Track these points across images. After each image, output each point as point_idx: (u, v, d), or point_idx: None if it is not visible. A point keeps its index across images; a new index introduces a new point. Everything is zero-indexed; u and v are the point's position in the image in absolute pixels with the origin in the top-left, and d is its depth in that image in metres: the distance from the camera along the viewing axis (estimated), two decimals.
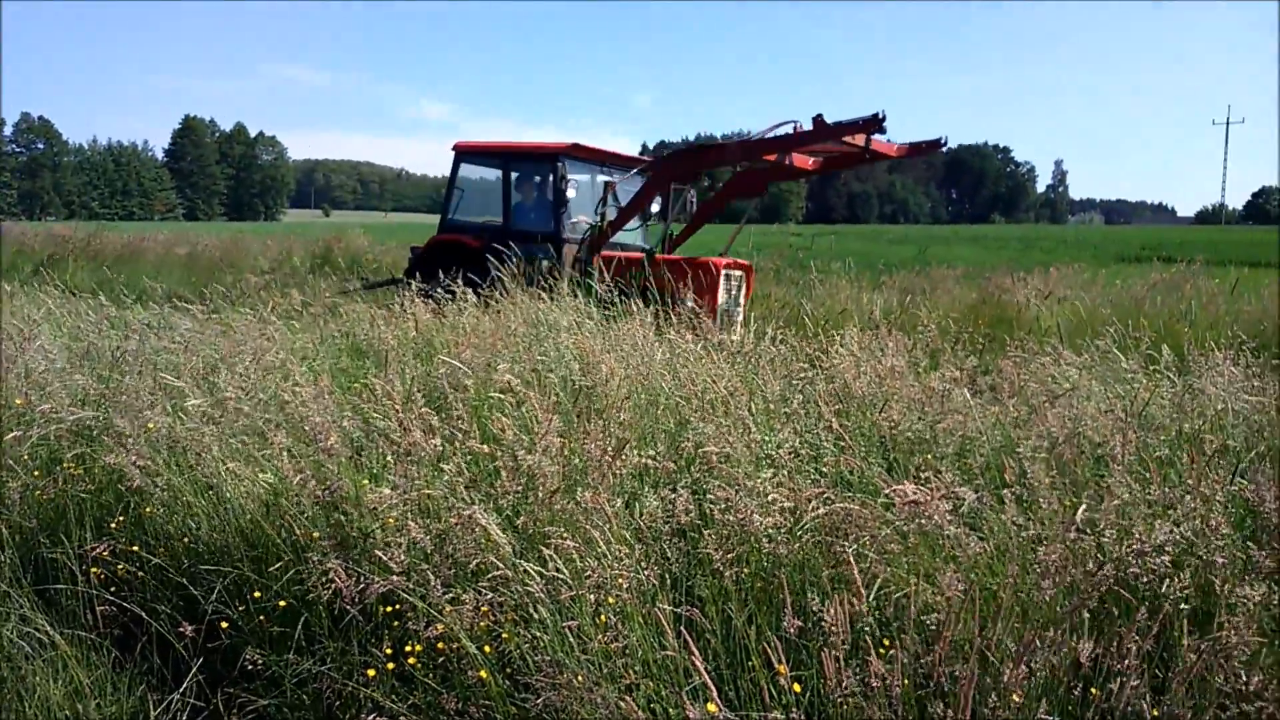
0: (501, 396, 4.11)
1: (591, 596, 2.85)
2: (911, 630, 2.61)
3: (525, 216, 10.72)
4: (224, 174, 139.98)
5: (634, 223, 10.76)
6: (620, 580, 2.88)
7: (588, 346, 5.15)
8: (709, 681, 2.37)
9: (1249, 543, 3.02)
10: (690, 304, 8.53)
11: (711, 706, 2.44)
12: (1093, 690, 2.50)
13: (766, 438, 3.87)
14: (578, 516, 3.15)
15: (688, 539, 3.33)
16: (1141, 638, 2.40)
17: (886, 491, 3.29)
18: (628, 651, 2.79)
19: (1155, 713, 2.46)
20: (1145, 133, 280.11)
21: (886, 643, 2.77)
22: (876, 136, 8.68)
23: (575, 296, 7.26)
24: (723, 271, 9.53)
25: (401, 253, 18.42)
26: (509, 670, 2.95)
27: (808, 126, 8.44)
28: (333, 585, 3.04)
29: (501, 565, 2.95)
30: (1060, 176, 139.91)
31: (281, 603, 3.33)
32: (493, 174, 11.21)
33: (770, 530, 3.14)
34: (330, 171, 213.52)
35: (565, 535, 2.99)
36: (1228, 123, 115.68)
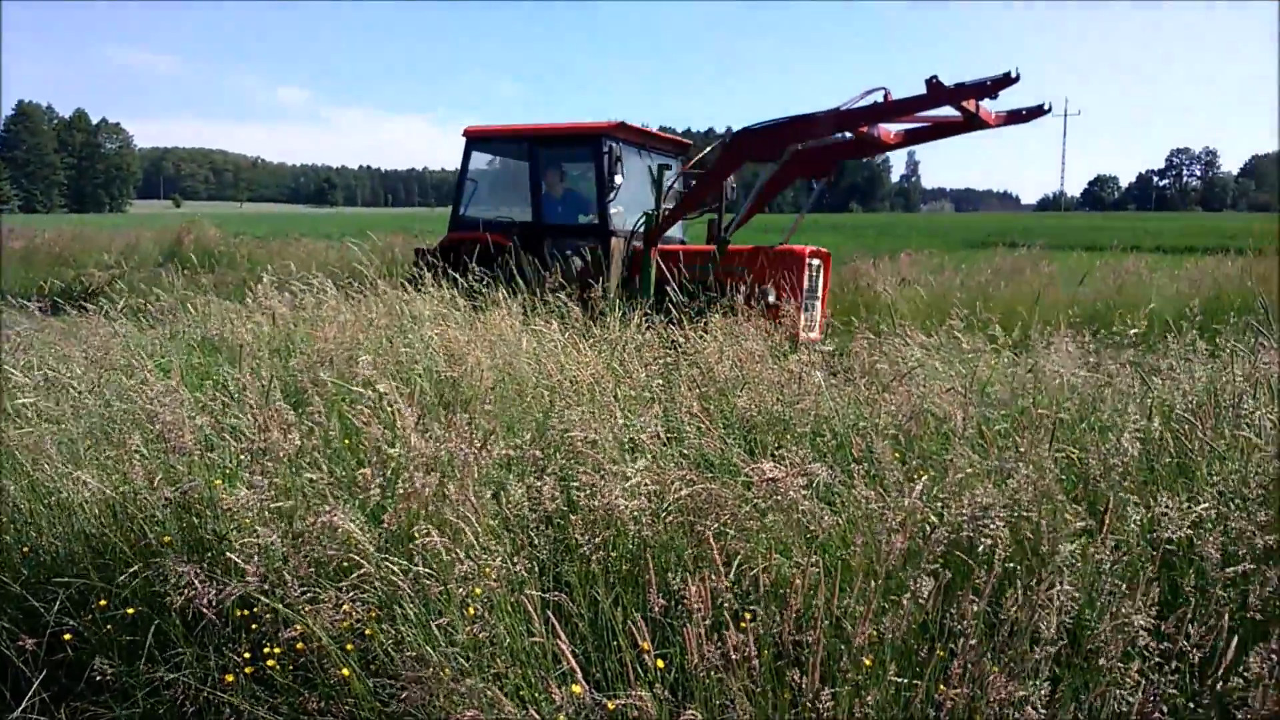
0: (362, 391, 4.04)
1: (459, 589, 2.85)
2: (766, 603, 2.71)
3: (557, 209, 9.78)
4: (64, 163, 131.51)
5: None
6: (488, 571, 2.89)
7: (452, 338, 5.11)
8: (574, 664, 2.41)
9: (1075, 504, 3.26)
10: (772, 298, 7.98)
11: (577, 688, 2.48)
12: (938, 650, 2.65)
13: (630, 423, 3.93)
14: (444, 509, 3.13)
15: (555, 526, 3.36)
16: (978, 597, 2.55)
17: (745, 471, 3.41)
18: (495, 641, 2.80)
19: (995, 668, 2.63)
20: None
21: (748, 616, 2.86)
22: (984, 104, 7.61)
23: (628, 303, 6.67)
24: (807, 260, 8.68)
25: (258, 248, 17.67)
26: (374, 668, 2.92)
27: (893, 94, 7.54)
28: (186, 591, 2.93)
29: (365, 563, 2.91)
30: (913, 167, 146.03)
31: (130, 610, 3.19)
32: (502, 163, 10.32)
33: (636, 513, 3.20)
34: (180, 160, 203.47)
35: (432, 529, 2.98)
36: (1065, 115, 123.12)
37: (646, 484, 3.33)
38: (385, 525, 3.09)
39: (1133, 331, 4.66)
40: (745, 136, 8.47)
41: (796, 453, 3.65)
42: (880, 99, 7.62)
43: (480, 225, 9.64)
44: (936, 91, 7.28)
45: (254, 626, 3.08)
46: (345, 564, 3.04)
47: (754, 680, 2.53)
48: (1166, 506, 2.70)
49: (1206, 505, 2.72)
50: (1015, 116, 7.77)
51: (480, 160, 10.41)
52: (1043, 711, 2.27)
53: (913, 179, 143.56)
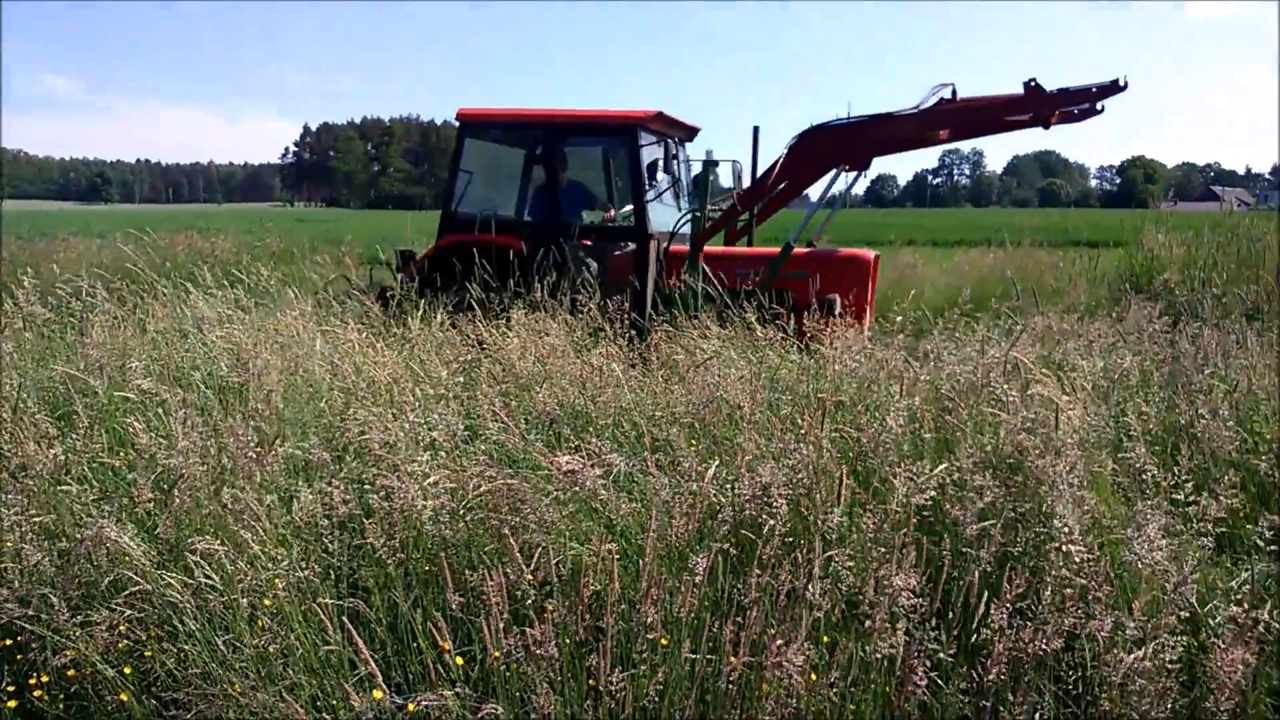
0: (133, 399, 3.79)
1: (244, 601, 2.74)
2: (566, 593, 2.76)
3: (577, 208, 8.64)
4: None
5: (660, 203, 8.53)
6: (276, 580, 2.79)
7: (238, 340, 4.87)
8: (374, 669, 2.37)
9: (849, 478, 3.51)
10: (839, 308, 7.05)
11: (377, 693, 2.44)
12: (728, 624, 2.78)
13: (426, 421, 3.88)
14: (226, 519, 3.00)
15: (349, 531, 3.28)
16: (762, 571, 2.70)
17: (545, 464, 3.45)
18: (288, 651, 2.71)
19: (780, 641, 2.79)
20: (782, 124, 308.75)
21: (550, 607, 2.90)
22: None
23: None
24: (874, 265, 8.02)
25: (21, 249, 16.05)
26: (156, 690, 2.77)
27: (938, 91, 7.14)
28: None
29: (140, 579, 2.75)
30: (713, 163, 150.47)
31: None
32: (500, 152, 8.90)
33: (435, 512, 3.17)
34: None
35: (212, 539, 2.84)
36: (849, 113, 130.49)
37: (445, 482, 3.31)
38: (161, 538, 2.93)
39: (898, 319, 5.02)
40: (819, 136, 7.72)
41: (596, 444, 3.73)
42: (947, 95, 7.27)
43: (478, 225, 8.22)
44: (1034, 95, 7.07)
45: (19, 657, 2.85)
46: (119, 581, 2.86)
47: (554, 669, 2.58)
48: (925, 476, 2.95)
49: (944, 468, 2.99)
50: (1068, 116, 7.38)
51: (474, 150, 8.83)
52: (817, 677, 2.42)
53: (711, 178, 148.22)
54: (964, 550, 2.74)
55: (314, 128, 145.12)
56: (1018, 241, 15.35)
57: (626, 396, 4.65)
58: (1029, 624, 2.29)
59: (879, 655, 2.45)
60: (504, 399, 4.63)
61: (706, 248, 7.97)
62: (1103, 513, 2.96)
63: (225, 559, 2.76)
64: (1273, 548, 2.87)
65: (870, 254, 8.12)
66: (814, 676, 2.49)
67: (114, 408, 4.10)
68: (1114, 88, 6.98)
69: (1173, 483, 3.03)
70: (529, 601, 2.83)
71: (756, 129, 7.89)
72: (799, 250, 7.94)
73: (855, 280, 7.62)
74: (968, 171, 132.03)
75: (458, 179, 8.60)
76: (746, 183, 8.49)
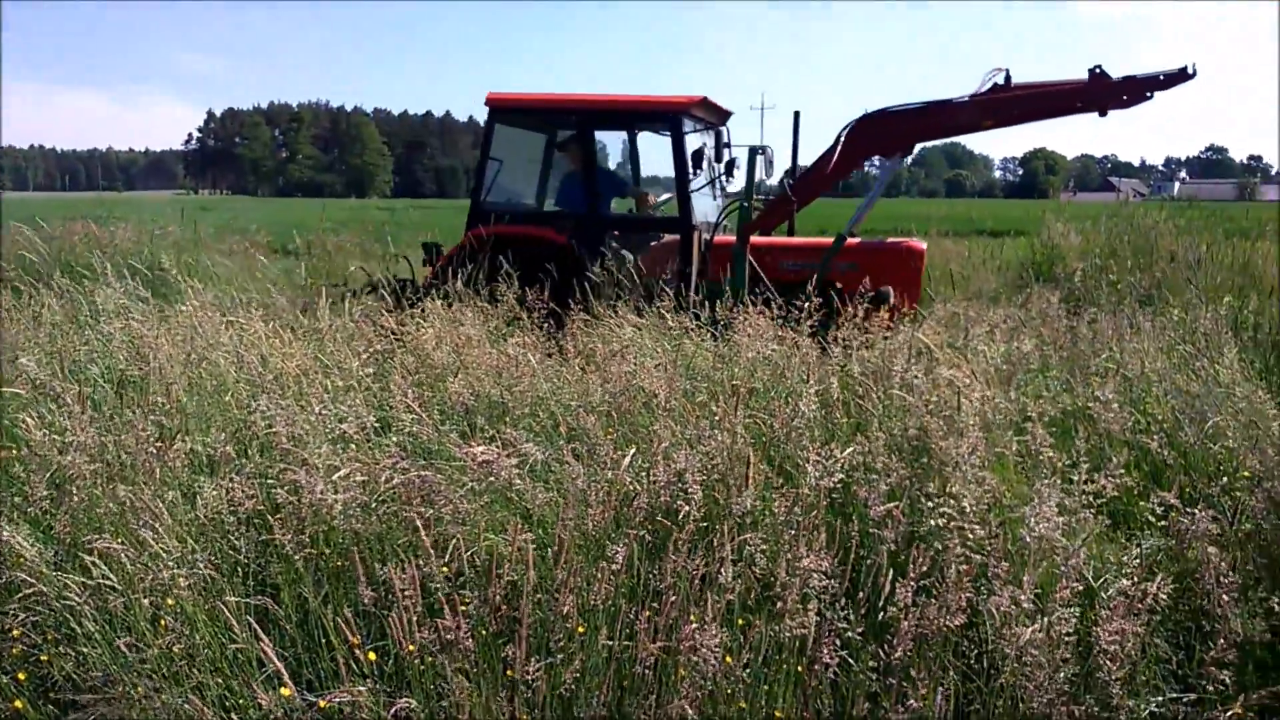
0: (21, 394, 3.63)
1: (146, 601, 2.66)
2: (481, 584, 2.75)
3: (607, 198, 8.19)
4: None
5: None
6: (180, 579, 2.71)
7: (137, 332, 4.70)
8: (280, 666, 2.33)
9: (763, 463, 3.56)
10: (893, 299, 6.83)
11: (285, 690, 2.40)
12: (644, 611, 2.80)
13: (336, 413, 3.81)
14: (126, 516, 2.90)
15: (256, 527, 3.21)
16: (677, 556, 2.72)
17: (459, 455, 3.42)
18: (193, 652, 2.64)
19: (694, 625, 2.82)
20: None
21: (465, 598, 2.88)
22: None
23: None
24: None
25: None
26: (53, 695, 2.67)
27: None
28: None
29: (34, 581, 2.64)
30: (631, 153, 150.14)
31: None
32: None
33: (344, 506, 3.12)
34: None
35: (111, 538, 2.74)
36: (762, 109, 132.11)
37: (356, 475, 3.25)
38: (57, 537, 2.82)
39: (807, 305, 5.10)
40: (873, 123, 7.45)
41: (512, 434, 3.71)
42: (1001, 81, 7.08)
43: (509, 217, 7.82)
44: (1098, 82, 6.91)
45: None
46: (12, 584, 2.74)
47: (469, 661, 2.56)
48: (835, 460, 3.01)
49: (852, 451, 3.06)
50: (1120, 102, 7.09)
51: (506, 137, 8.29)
52: (727, 657, 2.46)
53: (627, 166, 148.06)
54: (872, 531, 2.81)
55: (218, 113, 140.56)
56: (925, 231, 15.74)
57: (543, 386, 4.64)
58: (933, 601, 2.36)
59: (790, 635, 2.49)
60: (418, 390, 4.57)
61: (725, 238, 7.75)
62: (1003, 492, 3.06)
63: (125, 558, 2.67)
64: (1163, 523, 3.01)
65: (921, 244, 7.92)
66: (728, 659, 2.52)
67: (4, 404, 3.92)
68: (1182, 75, 6.80)
69: (1069, 462, 3.15)
70: (443, 593, 2.81)
71: (797, 114, 7.57)
72: (823, 241, 7.80)
73: (907, 271, 7.43)
74: (877, 161, 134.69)
75: (487, 168, 8.12)
76: (776, 170, 8.24)
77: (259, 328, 5.19)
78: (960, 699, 2.54)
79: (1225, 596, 2.46)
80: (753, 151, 7.56)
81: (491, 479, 3.20)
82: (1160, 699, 2.35)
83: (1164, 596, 2.29)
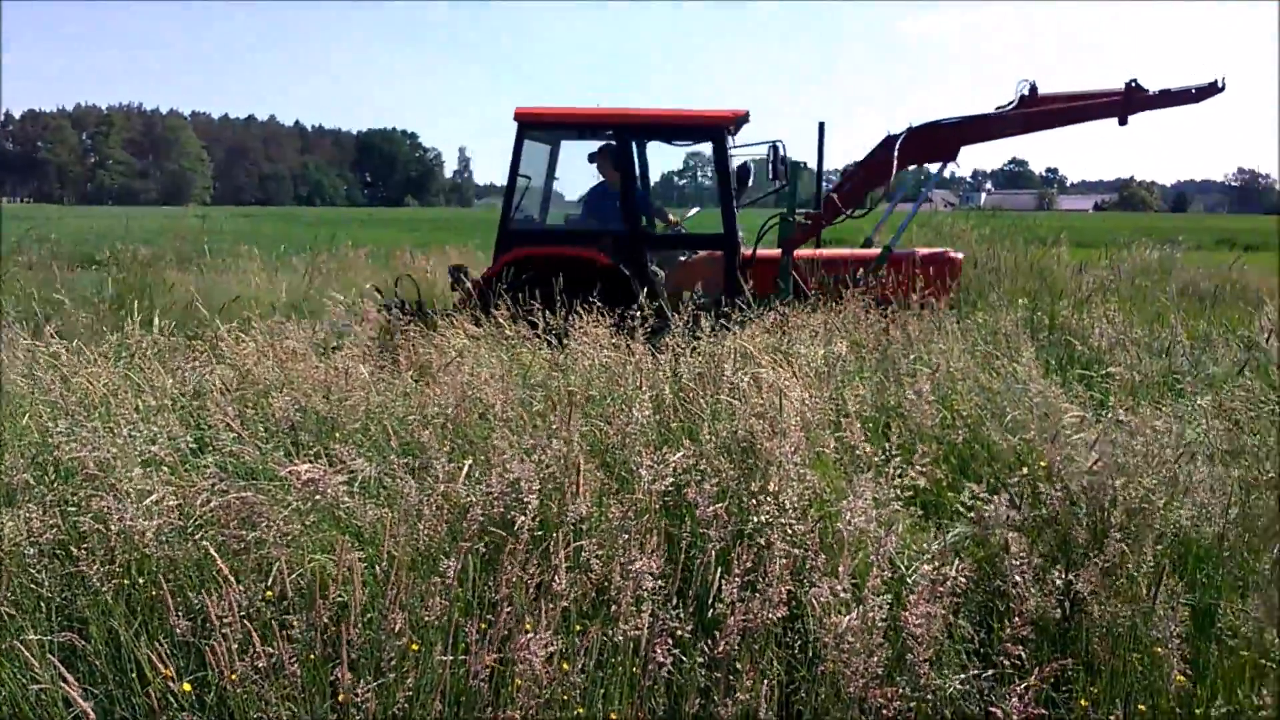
0: None
1: None
2: (308, 606, 2.66)
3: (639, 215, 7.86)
4: None
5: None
6: None
7: None
8: (87, 708, 2.19)
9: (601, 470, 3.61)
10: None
11: None
12: (481, 624, 2.78)
13: (148, 434, 3.61)
14: None
15: (59, 558, 3.00)
16: (512, 566, 2.72)
17: (283, 474, 3.30)
18: None
19: (529, 634, 2.82)
20: None
21: (295, 623, 2.78)
22: None
23: None
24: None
25: None
26: None
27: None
28: None
29: None
30: (465, 163, 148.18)
31: None
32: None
33: (157, 533, 2.96)
34: None
35: None
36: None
37: (170, 499, 3.10)
38: None
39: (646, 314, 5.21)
40: (925, 134, 7.59)
41: (341, 450, 3.61)
42: (1025, 92, 7.34)
43: (544, 236, 7.68)
44: (1134, 95, 7.14)
45: None
46: None
47: (296, 686, 2.48)
48: (666, 463, 3.09)
49: (682, 454, 3.15)
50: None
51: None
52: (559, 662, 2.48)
53: (465, 174, 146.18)
54: (702, 531, 2.89)
55: (17, 115, 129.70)
56: (750, 239, 16.28)
57: (374, 399, 4.53)
58: (757, 596, 2.45)
59: (625, 638, 2.53)
60: (238, 407, 4.37)
61: (766, 251, 7.74)
62: (823, 488, 3.21)
63: None
64: (969, 513, 3.23)
65: (958, 254, 8.08)
66: (564, 665, 2.54)
67: None
68: (1212, 89, 7.05)
69: (883, 457, 3.33)
70: (266, 619, 2.71)
71: (822, 125, 7.61)
72: (864, 252, 7.88)
73: (945, 280, 7.45)
74: (709, 173, 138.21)
75: (516, 185, 7.81)
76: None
77: (57, 346, 4.85)
78: (785, 689, 2.65)
79: (1020, 578, 2.67)
80: (792, 166, 7.54)
81: (318, 497, 3.11)
82: (964, 676, 2.52)
83: (963, 580, 2.47)
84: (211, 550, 2.78)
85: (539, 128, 7.95)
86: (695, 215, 8.63)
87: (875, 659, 2.35)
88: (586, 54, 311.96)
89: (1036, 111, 7.45)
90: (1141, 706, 2.55)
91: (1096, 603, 2.64)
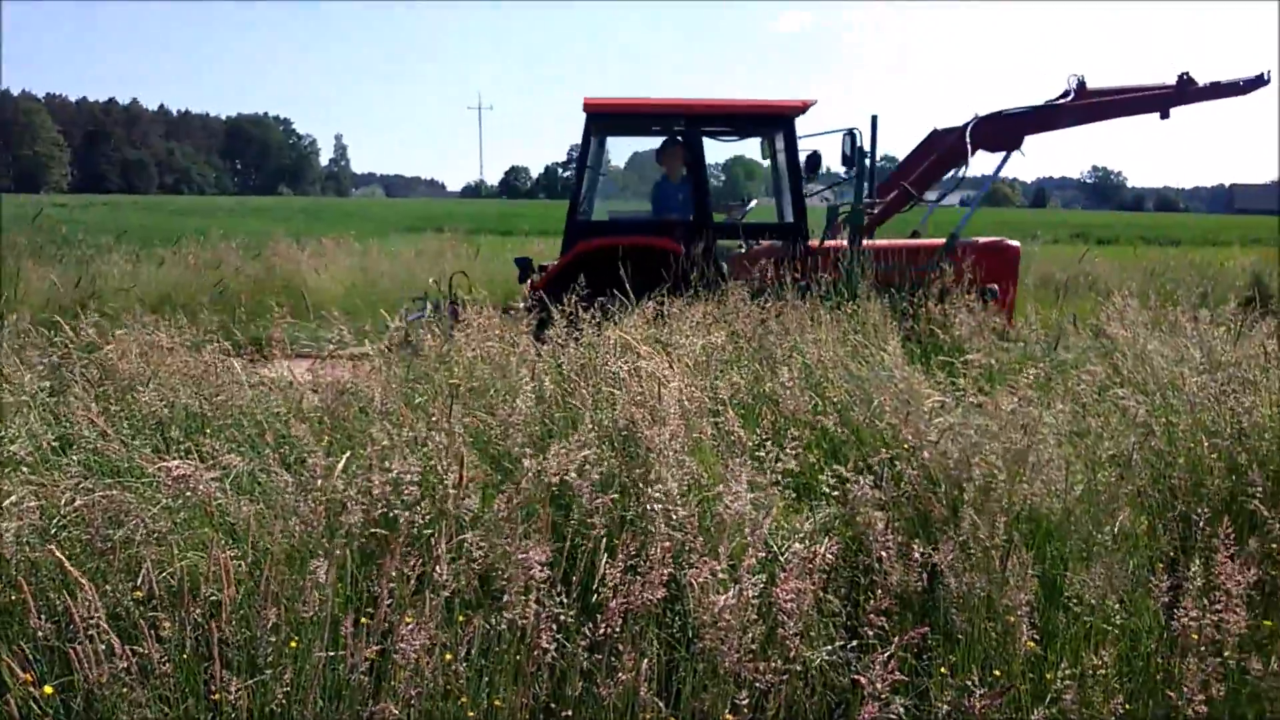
0: None
1: None
2: (181, 604, 2.61)
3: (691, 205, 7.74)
4: None
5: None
6: None
7: None
8: None
9: (485, 462, 3.63)
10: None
11: None
12: (363, 619, 2.76)
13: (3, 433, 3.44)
14: None
15: None
16: (393, 559, 2.71)
17: (151, 470, 3.20)
18: None
19: (410, 626, 2.82)
20: (415, 114, 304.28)
21: (169, 624, 2.71)
22: None
23: None
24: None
25: None
26: None
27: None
28: None
29: None
30: (341, 151, 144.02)
31: None
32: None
33: (17, 535, 2.85)
34: None
35: None
36: (479, 108, 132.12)
37: (30, 500, 2.97)
38: None
39: (522, 305, 5.23)
40: (994, 123, 7.77)
41: (213, 445, 3.53)
42: (1072, 85, 7.61)
43: (615, 227, 7.60)
44: (1185, 88, 7.36)
45: None
46: None
47: (168, 686, 2.43)
48: (550, 453, 3.13)
49: (566, 444, 3.20)
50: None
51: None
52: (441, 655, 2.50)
53: (342, 163, 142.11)
54: (587, 519, 2.94)
55: None
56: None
57: (247, 393, 4.42)
58: (638, 579, 2.52)
59: (509, 626, 2.57)
60: (103, 403, 4.21)
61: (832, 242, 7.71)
62: (701, 473, 3.31)
63: None
64: (836, 493, 3.38)
65: (1016, 243, 8.25)
66: (448, 655, 2.56)
67: None
68: (1259, 81, 7.35)
69: (757, 442, 3.46)
70: (135, 618, 2.64)
71: (875, 118, 7.57)
72: (928, 242, 7.97)
73: (1007, 268, 7.74)
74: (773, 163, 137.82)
75: (585, 178, 7.80)
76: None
77: None
78: (666, 668, 2.73)
79: (884, 553, 2.82)
80: (861, 154, 7.45)
81: (189, 494, 3.03)
82: (830, 648, 2.66)
83: (831, 557, 2.59)
84: (58, 554, 2.66)
85: (609, 119, 7.93)
86: (754, 207, 8.75)
87: (750, 635, 2.45)
88: (460, 42, 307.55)
89: (1096, 103, 7.76)
90: (996, 672, 2.72)
91: (954, 575, 2.80)
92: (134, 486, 3.21)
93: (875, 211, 7.87)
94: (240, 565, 2.86)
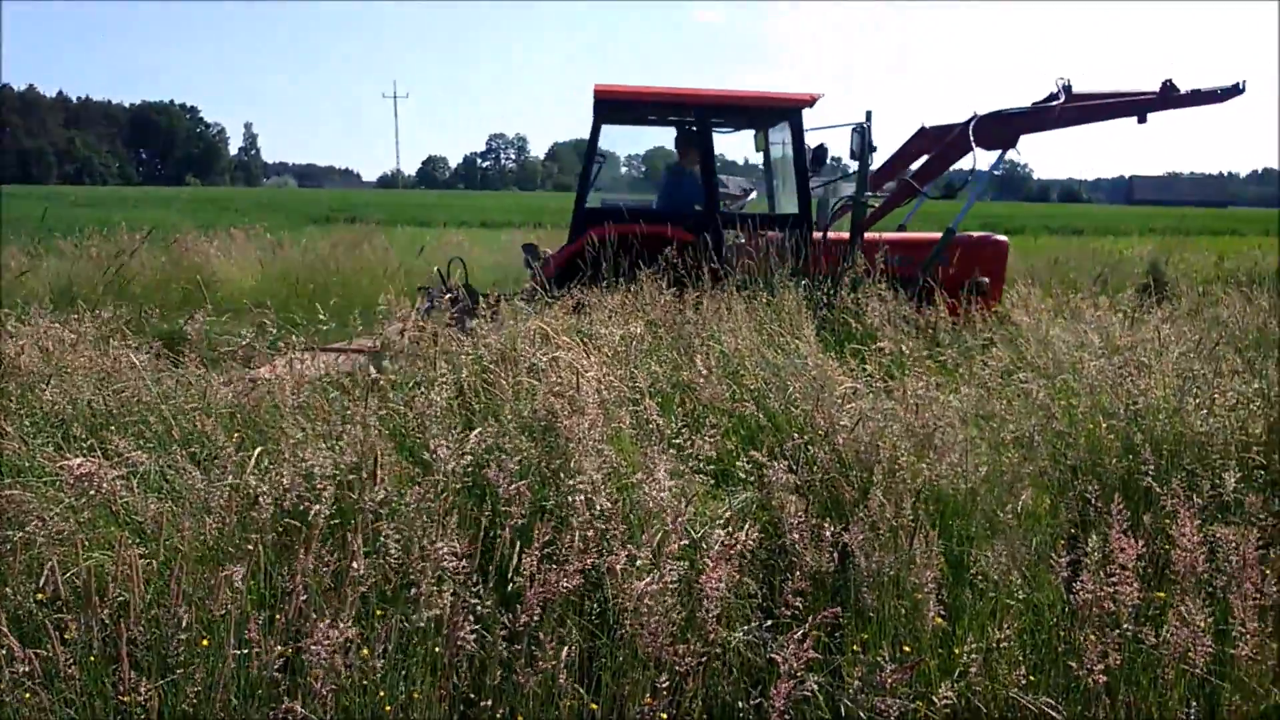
0: None
1: None
2: (85, 606, 2.53)
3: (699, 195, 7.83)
4: None
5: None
6: None
7: None
8: None
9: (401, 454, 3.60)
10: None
11: None
12: (277, 615, 2.72)
13: None
14: None
15: None
16: (307, 555, 2.68)
17: (52, 469, 3.10)
18: None
19: (325, 622, 2.79)
20: (328, 102, 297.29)
21: (75, 625, 2.64)
22: None
23: None
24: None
25: None
26: None
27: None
28: None
29: None
30: (252, 139, 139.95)
31: None
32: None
33: None
34: None
35: None
36: (395, 97, 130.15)
37: None
38: None
39: (448, 296, 5.19)
40: (990, 122, 7.93)
41: (119, 442, 3.43)
42: (1058, 89, 7.90)
43: (623, 214, 7.41)
44: (1168, 94, 7.67)
45: None
46: None
47: (74, 689, 2.36)
48: (466, 444, 3.12)
49: (479, 433, 3.20)
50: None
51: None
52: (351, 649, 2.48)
53: (252, 152, 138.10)
54: (503, 509, 2.94)
55: None
56: (558, 223, 16.44)
57: (153, 389, 4.29)
58: (555, 567, 2.54)
59: (426, 619, 2.56)
60: (1, 401, 4.05)
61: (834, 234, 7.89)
62: (620, 461, 3.34)
63: None
64: (753, 479, 3.44)
65: (1005, 238, 8.54)
66: (365, 651, 2.54)
67: None
68: (1235, 90, 7.67)
69: (676, 430, 3.50)
70: (40, 620, 2.56)
71: (869, 114, 7.67)
72: (930, 235, 8.17)
73: (996, 262, 7.95)
74: (514, 156, 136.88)
75: (593, 166, 7.89)
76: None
77: None
78: (586, 656, 2.75)
79: (798, 535, 2.88)
80: (866, 147, 7.58)
81: (93, 493, 2.94)
82: (746, 628, 2.71)
83: (751, 541, 2.65)
84: None
85: (618, 108, 7.97)
86: (754, 199, 8.82)
87: (670, 619, 2.48)
88: (374, 29, 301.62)
89: (1085, 106, 8.04)
90: (906, 648, 2.81)
91: (864, 555, 2.88)
92: (34, 486, 3.10)
93: (878, 205, 8.17)
94: (149, 564, 2.79)
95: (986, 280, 7.54)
